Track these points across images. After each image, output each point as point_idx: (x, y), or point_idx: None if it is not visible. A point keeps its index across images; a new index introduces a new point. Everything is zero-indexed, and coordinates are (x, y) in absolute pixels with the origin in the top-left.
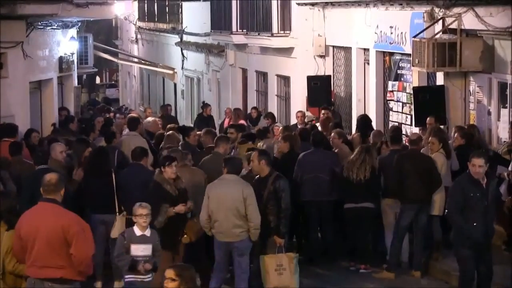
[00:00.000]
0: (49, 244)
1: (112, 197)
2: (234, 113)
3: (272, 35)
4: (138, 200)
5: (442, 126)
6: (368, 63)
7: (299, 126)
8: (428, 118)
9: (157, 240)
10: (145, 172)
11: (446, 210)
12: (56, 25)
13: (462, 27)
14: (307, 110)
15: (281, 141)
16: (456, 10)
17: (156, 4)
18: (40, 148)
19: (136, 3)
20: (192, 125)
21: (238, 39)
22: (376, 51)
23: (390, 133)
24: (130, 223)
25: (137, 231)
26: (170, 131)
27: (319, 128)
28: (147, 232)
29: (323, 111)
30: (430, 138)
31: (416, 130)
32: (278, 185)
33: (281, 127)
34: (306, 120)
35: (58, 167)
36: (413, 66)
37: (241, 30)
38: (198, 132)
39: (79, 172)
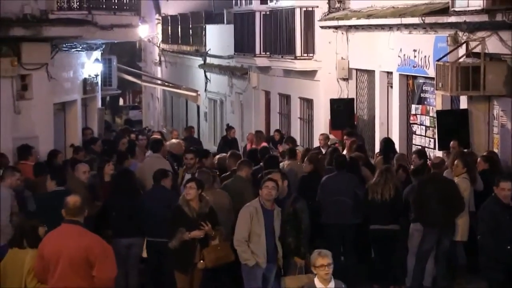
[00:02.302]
0: (72, 265)
1: (139, 219)
2: (256, 135)
3: (296, 58)
4: (159, 222)
5: (465, 150)
6: (391, 86)
7: (322, 149)
8: (451, 142)
9: None
10: (167, 193)
11: (478, 236)
12: (80, 47)
13: (486, 51)
14: (330, 133)
15: (306, 162)
16: (480, 34)
17: (179, 26)
18: (59, 169)
19: (160, 25)
20: (215, 148)
21: (262, 61)
22: (399, 74)
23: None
24: (150, 245)
25: (319, 284)
26: None
27: (345, 152)
28: (331, 284)
29: (345, 137)
30: (455, 161)
31: (439, 153)
32: (297, 206)
33: (302, 150)
34: (329, 143)
35: (81, 187)
36: (436, 89)
37: (264, 53)
38: (219, 156)
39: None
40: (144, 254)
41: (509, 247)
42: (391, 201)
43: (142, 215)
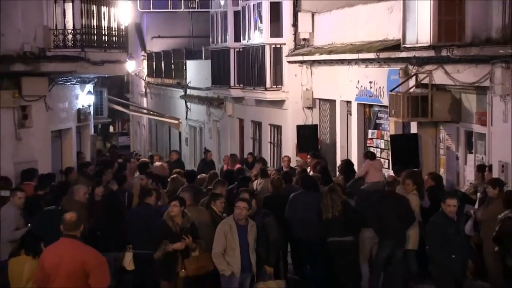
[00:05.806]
0: (69, 277)
1: (124, 235)
2: (231, 158)
3: (266, 89)
4: (144, 236)
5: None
6: (351, 114)
7: (284, 169)
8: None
9: None
10: (151, 210)
11: (427, 247)
12: (74, 80)
13: (433, 82)
14: (296, 155)
15: (270, 184)
16: (428, 67)
17: (163, 62)
18: (50, 191)
19: (145, 61)
20: (195, 169)
21: (236, 92)
22: (357, 103)
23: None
24: (138, 257)
25: None
26: (175, 175)
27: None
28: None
29: (309, 157)
30: (405, 180)
31: (392, 173)
32: (266, 221)
33: (273, 170)
34: (297, 164)
35: (80, 208)
36: (390, 116)
37: (238, 85)
38: (199, 177)
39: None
40: (131, 266)
41: (453, 256)
42: (342, 216)
43: (129, 230)
